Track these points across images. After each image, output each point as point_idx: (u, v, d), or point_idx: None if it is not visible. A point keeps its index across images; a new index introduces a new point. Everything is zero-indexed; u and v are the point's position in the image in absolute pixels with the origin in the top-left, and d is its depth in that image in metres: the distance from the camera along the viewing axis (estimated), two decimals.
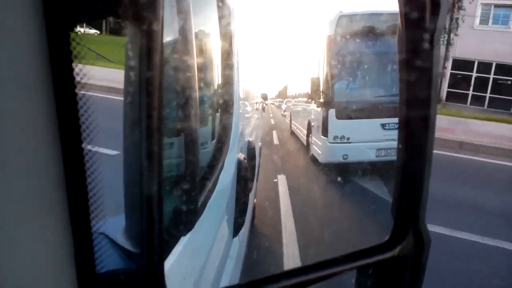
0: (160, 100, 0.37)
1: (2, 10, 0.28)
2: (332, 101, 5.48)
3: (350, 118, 5.44)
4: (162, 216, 0.41)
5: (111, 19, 0.35)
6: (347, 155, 5.49)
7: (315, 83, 5.91)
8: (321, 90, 5.79)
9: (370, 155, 5.47)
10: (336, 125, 5.45)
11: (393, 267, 0.72)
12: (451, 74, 20.10)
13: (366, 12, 5.73)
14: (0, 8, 0.28)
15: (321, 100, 5.76)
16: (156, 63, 0.36)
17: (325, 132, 5.60)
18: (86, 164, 0.34)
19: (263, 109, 12.58)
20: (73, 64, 0.32)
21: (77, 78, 0.32)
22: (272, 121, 15.24)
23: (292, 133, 10.55)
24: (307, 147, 7.32)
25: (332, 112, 5.44)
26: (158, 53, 0.35)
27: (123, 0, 0.33)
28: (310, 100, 6.76)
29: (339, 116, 5.43)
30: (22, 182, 0.31)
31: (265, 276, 0.64)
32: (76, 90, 0.32)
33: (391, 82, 5.97)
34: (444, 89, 19.65)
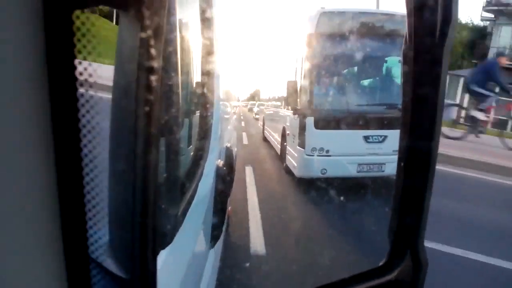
0: (156, 98, 0.36)
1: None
2: (311, 108, 4.82)
3: (331, 128, 4.80)
4: (146, 230, 0.40)
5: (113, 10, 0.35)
6: (325, 169, 4.86)
7: (291, 87, 5.24)
8: (298, 95, 5.13)
9: (351, 171, 4.87)
10: (315, 136, 4.80)
11: None
12: None
13: (351, 10, 5.12)
14: None
15: (298, 106, 5.10)
16: (153, 59, 0.35)
17: (302, 143, 4.94)
18: (83, 170, 0.34)
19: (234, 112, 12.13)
20: (76, 61, 0.31)
21: (78, 75, 0.31)
22: (243, 123, 14.79)
23: (265, 139, 9.92)
24: (281, 155, 6.68)
25: (310, 120, 4.79)
26: (158, 50, 0.35)
27: None
28: (285, 105, 6.12)
29: (318, 126, 4.79)
30: (12, 187, 0.30)
31: None
32: (77, 86, 0.31)
33: (377, 89, 5.39)
34: None
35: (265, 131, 10.08)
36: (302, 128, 4.90)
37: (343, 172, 4.84)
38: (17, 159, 0.30)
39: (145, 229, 0.40)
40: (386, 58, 5.09)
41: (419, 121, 0.63)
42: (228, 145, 2.14)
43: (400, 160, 0.67)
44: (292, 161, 5.53)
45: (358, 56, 5.02)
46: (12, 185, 0.30)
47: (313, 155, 4.85)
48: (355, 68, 5.33)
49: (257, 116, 16.54)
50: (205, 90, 1.25)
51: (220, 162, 1.42)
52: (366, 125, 4.74)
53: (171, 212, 0.68)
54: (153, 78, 0.35)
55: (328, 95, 4.98)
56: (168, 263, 0.65)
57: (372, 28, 5.02)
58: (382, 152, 4.76)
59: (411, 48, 0.61)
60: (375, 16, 5.22)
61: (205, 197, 1.10)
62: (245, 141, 9.38)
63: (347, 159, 4.86)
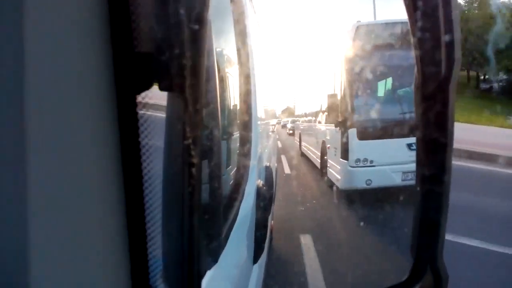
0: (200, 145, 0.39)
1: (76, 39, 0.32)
2: (353, 120, 4.87)
3: (373, 138, 4.82)
4: (199, 253, 0.42)
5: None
6: (370, 180, 4.85)
7: (332, 100, 5.32)
8: (339, 107, 5.19)
9: (396, 179, 4.84)
10: (358, 147, 4.83)
11: None
12: None
13: (386, 21, 5.19)
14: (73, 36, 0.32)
15: (340, 119, 5.15)
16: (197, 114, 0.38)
17: (345, 154, 4.97)
18: (144, 177, 0.38)
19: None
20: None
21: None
22: (279, 144, 14.69)
23: (303, 154, 9.95)
24: (321, 170, 6.70)
25: (352, 132, 4.83)
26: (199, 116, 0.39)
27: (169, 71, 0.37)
28: (326, 119, 6.17)
29: (360, 137, 4.81)
30: (83, 192, 0.33)
31: None
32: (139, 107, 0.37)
33: None
34: None
35: (302, 147, 10.12)
36: (345, 140, 4.94)
37: (388, 182, 4.81)
38: (89, 162, 0.34)
39: (192, 251, 0.42)
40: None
41: (431, 142, 0.65)
42: (268, 164, 2.19)
43: (417, 181, 0.71)
44: (334, 173, 5.56)
45: (394, 65, 5.04)
46: (84, 188, 0.33)
47: (357, 166, 4.86)
48: (393, 77, 5.34)
49: (290, 131, 16.72)
50: (243, 111, 1.30)
51: (260, 182, 1.45)
52: (408, 133, 4.72)
53: (216, 233, 0.71)
54: (197, 109, 0.39)
55: (368, 105, 5.01)
56: (214, 283, 0.68)
57: (406, 37, 5.05)
58: None
59: (419, 81, 0.63)
60: (407, 25, 5.25)
61: (247, 216, 1.13)
62: (287, 170, 8.34)
63: (391, 168, 4.84)
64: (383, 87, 5.26)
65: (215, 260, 0.68)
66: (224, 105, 1.05)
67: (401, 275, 0.74)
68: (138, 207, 0.37)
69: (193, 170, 0.40)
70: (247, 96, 1.32)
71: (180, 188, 0.41)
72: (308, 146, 8.93)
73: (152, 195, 0.39)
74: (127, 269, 0.38)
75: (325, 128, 6.39)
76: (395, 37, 5.07)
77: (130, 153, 0.36)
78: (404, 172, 4.84)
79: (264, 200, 1.33)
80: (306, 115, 9.94)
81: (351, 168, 4.89)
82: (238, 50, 1.28)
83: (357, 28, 5.01)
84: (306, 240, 3.85)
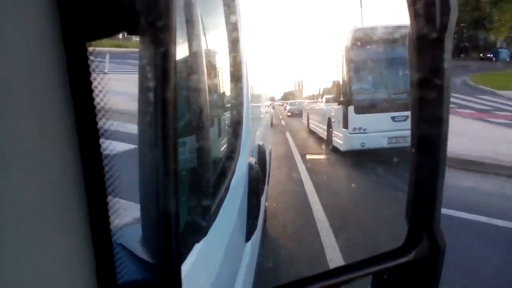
0: (175, 107, 0.37)
1: (20, 26, 0.28)
2: (351, 99, 6.74)
3: (366, 112, 6.69)
4: (178, 224, 0.41)
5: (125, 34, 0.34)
6: (364, 143, 6.73)
7: (336, 85, 7.18)
8: (341, 91, 7.06)
9: (383, 143, 6.71)
10: (355, 119, 6.71)
11: (409, 272, 0.72)
12: None
13: (378, 26, 7.02)
14: (17, 24, 0.28)
15: (342, 99, 7.02)
16: (169, 69, 0.36)
17: (345, 125, 6.86)
18: (104, 168, 0.34)
19: (273, 107, 13.44)
20: (92, 79, 0.31)
21: (96, 92, 0.32)
22: (283, 122, 16.28)
23: (310, 131, 11.76)
24: (327, 140, 8.56)
25: (351, 108, 6.70)
26: (172, 63, 0.36)
27: (136, 14, 0.33)
28: (332, 99, 8.01)
29: (357, 111, 6.69)
30: (39, 187, 0.30)
31: (276, 285, 0.71)
32: (94, 96, 0.32)
33: (399, 82, 7.22)
34: None
35: (310, 124, 11.94)
36: (345, 114, 6.81)
37: (377, 144, 6.68)
38: (47, 161, 0.31)
39: (174, 223, 0.40)
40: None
41: (426, 106, 0.65)
42: (261, 143, 2.20)
43: (412, 146, 0.70)
44: (337, 140, 7.44)
45: (384, 60, 6.88)
46: (44, 184, 0.31)
47: (354, 133, 6.74)
48: (382, 69, 7.18)
49: (289, 114, 17.89)
50: (234, 93, 1.30)
51: (252, 160, 1.46)
52: (392, 109, 6.57)
53: (204, 207, 0.70)
54: (172, 82, 0.36)
55: (363, 89, 6.89)
56: (204, 255, 0.68)
57: (393, 38, 6.86)
58: (406, 128, 6.56)
59: (413, 36, 0.62)
60: (398, 28, 7.05)
61: (238, 193, 1.14)
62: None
63: (380, 134, 6.70)
64: (374, 76, 7.10)
65: (204, 233, 0.69)
66: (212, 81, 1.03)
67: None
68: (101, 196, 0.34)
69: (169, 151, 0.38)
70: (237, 72, 1.31)
71: (154, 169, 0.39)
72: (315, 123, 10.77)
73: (115, 185, 0.35)
74: (93, 265, 0.35)
75: (331, 107, 8.24)
76: (385, 38, 6.88)
77: (89, 138, 0.33)
78: (389, 138, 6.69)
79: (257, 177, 1.34)
80: (312, 97, 11.73)
81: (350, 135, 6.77)
82: (228, 24, 1.26)
83: (355, 31, 6.83)
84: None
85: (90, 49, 0.31)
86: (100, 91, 0.32)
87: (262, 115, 3.63)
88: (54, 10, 0.30)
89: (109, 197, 0.35)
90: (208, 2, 1.13)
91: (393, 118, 6.64)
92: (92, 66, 0.31)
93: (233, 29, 1.27)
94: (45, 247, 0.31)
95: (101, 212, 0.35)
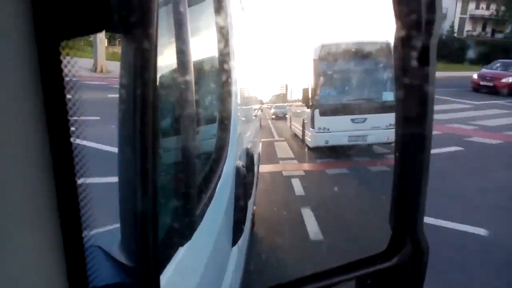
0: (155, 107, 0.37)
1: None
2: (317, 104, 8.05)
3: (330, 115, 8.01)
4: (157, 227, 0.41)
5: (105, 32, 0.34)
6: (328, 140, 8.05)
7: (305, 92, 8.50)
8: (310, 96, 8.36)
9: (344, 140, 8.03)
10: (320, 120, 8.03)
11: (392, 277, 0.72)
12: None
13: (343, 42, 8.33)
14: None
15: (310, 103, 8.33)
16: (151, 70, 0.35)
17: (312, 125, 8.17)
18: (77, 174, 0.33)
19: (261, 110, 14.46)
20: (64, 79, 0.30)
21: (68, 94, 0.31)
22: (271, 124, 17.25)
23: (292, 131, 12.98)
24: (302, 137, 9.85)
25: (317, 111, 8.02)
26: (152, 61, 0.35)
27: (117, 11, 0.32)
28: (303, 104, 9.31)
29: (322, 114, 8.01)
30: (9, 187, 0.29)
31: None
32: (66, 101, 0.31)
33: (358, 90, 8.53)
34: None
35: (292, 125, 13.20)
36: (312, 116, 8.12)
37: (339, 142, 8.00)
38: (16, 160, 0.30)
39: (152, 225, 0.40)
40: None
41: (411, 111, 0.64)
42: (249, 146, 2.18)
43: (396, 150, 0.69)
44: (307, 138, 8.73)
45: (347, 70, 8.19)
46: (11, 183, 0.30)
47: (319, 132, 8.04)
48: (345, 78, 8.49)
49: (273, 116, 18.68)
50: (223, 96, 1.28)
51: (240, 163, 1.45)
52: (352, 112, 7.88)
53: (189, 210, 0.69)
54: (151, 81, 0.36)
55: (328, 95, 8.20)
56: (188, 258, 0.68)
57: (357, 52, 8.16)
58: (363, 129, 7.91)
59: (398, 40, 0.63)
60: (360, 44, 8.33)
61: (225, 196, 1.13)
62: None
63: (341, 133, 8.01)
64: (337, 84, 8.40)
65: (188, 237, 0.67)
66: (200, 81, 1.01)
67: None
68: (72, 198, 0.33)
69: (154, 147, 0.37)
70: (226, 81, 1.29)
71: (133, 170, 0.39)
72: (295, 124, 12.06)
73: (85, 186, 0.34)
74: (63, 268, 0.34)
75: (304, 111, 9.53)
76: (349, 52, 8.17)
77: (60, 137, 0.32)
78: (349, 136, 7.99)
79: (244, 181, 1.34)
80: (294, 101, 12.99)
81: (316, 133, 8.08)
82: (218, 24, 1.24)
83: (322, 46, 8.12)
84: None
85: (64, 49, 0.31)
86: (72, 87, 0.31)
87: (251, 118, 3.61)
88: (28, 7, 0.29)
89: (81, 197, 0.34)
90: (198, 2, 1.13)
91: (352, 120, 7.96)
92: (66, 65, 0.31)
93: (223, 29, 1.27)
94: (11, 247, 0.30)
95: (73, 213, 0.33)
